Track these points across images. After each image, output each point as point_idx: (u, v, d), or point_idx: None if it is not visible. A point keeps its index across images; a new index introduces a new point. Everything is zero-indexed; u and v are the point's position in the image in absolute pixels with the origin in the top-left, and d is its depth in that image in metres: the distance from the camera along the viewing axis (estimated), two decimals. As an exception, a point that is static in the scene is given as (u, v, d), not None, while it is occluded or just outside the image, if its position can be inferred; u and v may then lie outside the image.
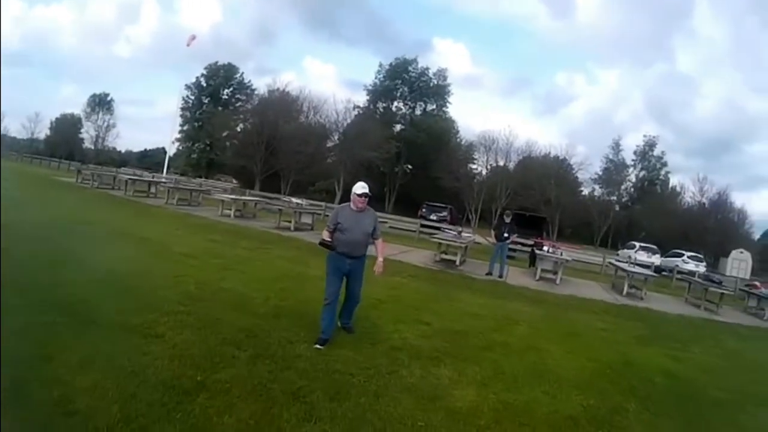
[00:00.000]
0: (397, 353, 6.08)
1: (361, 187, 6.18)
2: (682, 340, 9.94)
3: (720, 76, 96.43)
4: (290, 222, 19.38)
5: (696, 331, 11.38)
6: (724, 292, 15.47)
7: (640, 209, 64.09)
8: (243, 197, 24.23)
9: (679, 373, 7.44)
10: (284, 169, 58.12)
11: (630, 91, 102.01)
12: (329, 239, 6.13)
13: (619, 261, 22.67)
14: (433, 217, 32.65)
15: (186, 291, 7.35)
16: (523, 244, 21.28)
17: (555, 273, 16.12)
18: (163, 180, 29.57)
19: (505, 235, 15.61)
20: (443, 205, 36.77)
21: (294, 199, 25.23)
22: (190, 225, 15.78)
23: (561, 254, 16.76)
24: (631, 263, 23.62)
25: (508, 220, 16.10)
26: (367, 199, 6.20)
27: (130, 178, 25.29)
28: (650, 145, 67.54)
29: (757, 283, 19.34)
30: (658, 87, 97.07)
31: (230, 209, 20.44)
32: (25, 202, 15.43)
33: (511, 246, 17.08)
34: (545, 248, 17.31)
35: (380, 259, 6.48)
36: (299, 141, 57.30)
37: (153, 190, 24.73)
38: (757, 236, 67.40)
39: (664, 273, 25.39)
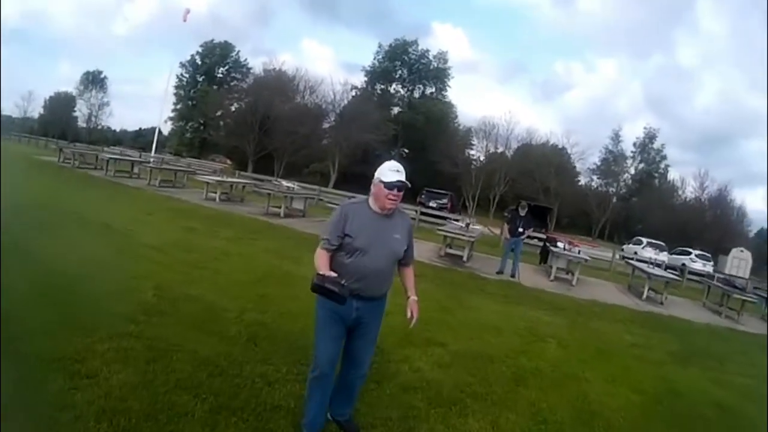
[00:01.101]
0: (410, 397, 4.62)
1: (393, 171, 3.56)
2: (716, 356, 8.94)
3: (719, 71, 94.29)
4: (280, 208, 17.88)
5: (725, 345, 10.37)
6: (747, 299, 14.18)
7: (638, 202, 63.04)
8: (229, 179, 22.56)
9: (727, 404, 6.39)
10: (278, 150, 56.47)
11: (628, 82, 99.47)
12: (332, 274, 3.29)
13: (637, 260, 21.46)
14: (432, 204, 31.61)
15: (141, 301, 5.83)
16: (538, 239, 19.82)
17: (570, 272, 14.78)
18: (151, 159, 28.09)
19: (520, 229, 14.16)
20: (443, 192, 35.73)
21: (284, 182, 23.84)
22: (167, 209, 14.31)
23: (578, 252, 15.35)
24: (639, 260, 22.43)
25: (523, 212, 14.61)
26: (401, 194, 3.61)
27: (111, 158, 23.62)
28: (650, 137, 65.94)
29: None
30: (656, 79, 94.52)
31: (215, 192, 18.89)
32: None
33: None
34: (560, 244, 15.86)
35: (413, 296, 3.87)
36: (294, 121, 55.61)
37: (136, 170, 23.17)
38: (752, 234, 66.43)
39: (670, 271, 24.15)
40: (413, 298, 3.87)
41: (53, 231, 8.83)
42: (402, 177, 3.58)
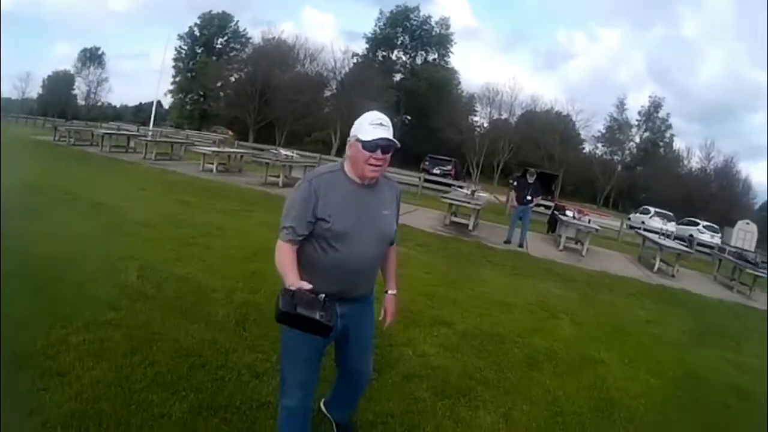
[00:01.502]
0: (414, 387, 4.20)
1: (375, 125, 2.53)
2: (732, 336, 8.54)
3: (723, 44, 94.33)
4: (278, 177, 17.40)
5: (741, 323, 9.98)
6: (760, 274, 13.65)
7: (643, 171, 62.63)
8: (226, 149, 22.08)
9: (749, 391, 5.91)
10: (279, 119, 56.04)
11: (631, 52, 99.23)
12: (304, 287, 2.32)
13: (644, 229, 20.99)
14: (436, 170, 31.16)
15: (125, 283, 5.39)
16: (545, 207, 19.29)
17: (579, 242, 14.37)
18: (149, 133, 27.54)
19: (529, 197, 13.70)
20: (447, 159, 35.25)
21: (283, 151, 23.29)
22: (161, 183, 13.84)
23: (588, 221, 14.87)
24: (647, 230, 22.06)
25: (531, 179, 14.12)
26: (388, 156, 2.59)
27: (106, 133, 22.97)
28: (655, 106, 65.04)
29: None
30: (659, 50, 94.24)
31: (212, 163, 18.40)
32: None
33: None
34: (569, 213, 15.38)
35: (392, 290, 3.01)
36: (295, 90, 55.02)
37: (132, 144, 22.61)
38: (756, 207, 65.98)
39: (678, 242, 23.76)
40: (391, 292, 3.00)
41: (40, 212, 8.27)
42: (387, 133, 2.52)
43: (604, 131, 64.82)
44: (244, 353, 4.20)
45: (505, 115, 61.55)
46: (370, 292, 2.88)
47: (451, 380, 4.44)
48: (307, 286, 2.31)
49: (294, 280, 2.35)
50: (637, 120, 65.19)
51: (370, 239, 2.64)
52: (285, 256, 2.52)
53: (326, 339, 2.57)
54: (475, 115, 65.44)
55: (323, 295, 2.28)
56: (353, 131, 2.58)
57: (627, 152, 64.72)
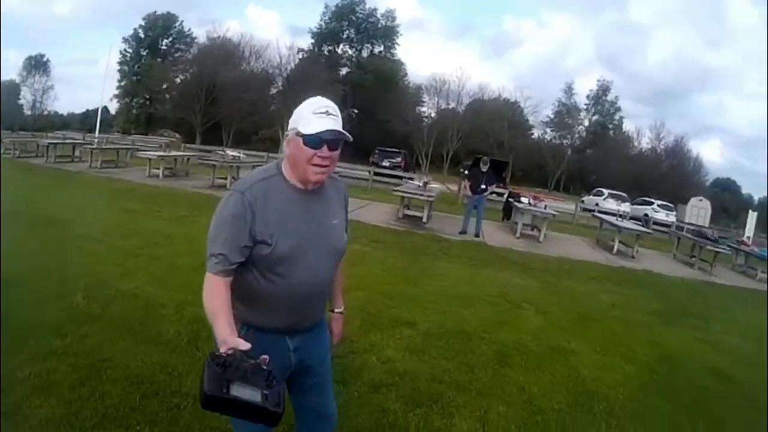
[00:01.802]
0: (383, 398, 3.94)
1: (320, 115, 1.94)
2: (699, 314, 8.59)
3: (672, 27, 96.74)
4: (226, 179, 16.86)
5: (705, 300, 10.10)
6: (720, 251, 13.94)
7: (593, 153, 63.60)
8: (173, 153, 21.40)
9: (726, 370, 5.95)
10: (225, 119, 55.32)
11: (579, 38, 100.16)
12: (241, 347, 1.68)
13: (599, 211, 21.17)
14: (385, 163, 31.04)
15: (70, 305, 4.96)
16: (499, 194, 19.12)
17: (536, 228, 14.37)
18: (95, 140, 26.61)
19: (483, 186, 13.59)
20: (396, 150, 35.22)
21: (230, 152, 22.68)
22: (107, 192, 13.28)
23: (545, 207, 14.86)
24: (602, 212, 22.21)
25: (485, 168, 14.04)
26: (337, 154, 2.01)
27: (50, 143, 21.92)
28: (604, 89, 66.04)
29: (745, 240, 18.05)
30: (607, 35, 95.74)
31: (158, 168, 17.76)
32: None
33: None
34: (524, 199, 15.31)
35: (338, 309, 2.53)
36: (240, 88, 54.36)
37: (78, 153, 21.60)
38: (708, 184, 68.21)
39: (633, 222, 24.07)
40: (338, 311, 2.51)
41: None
42: (335, 123, 1.96)
43: (552, 116, 65.56)
44: (198, 376, 3.85)
45: (452, 105, 62.17)
46: (320, 322, 2.32)
47: (420, 387, 4.21)
48: (244, 345, 1.69)
49: (227, 336, 1.74)
50: (585, 104, 66.12)
51: (320, 258, 2.10)
52: (215, 297, 1.90)
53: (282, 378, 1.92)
54: (423, 106, 66.03)
55: (266, 359, 1.65)
56: (292, 123, 1.99)
57: (576, 136, 65.56)
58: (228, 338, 1.72)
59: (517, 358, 5.16)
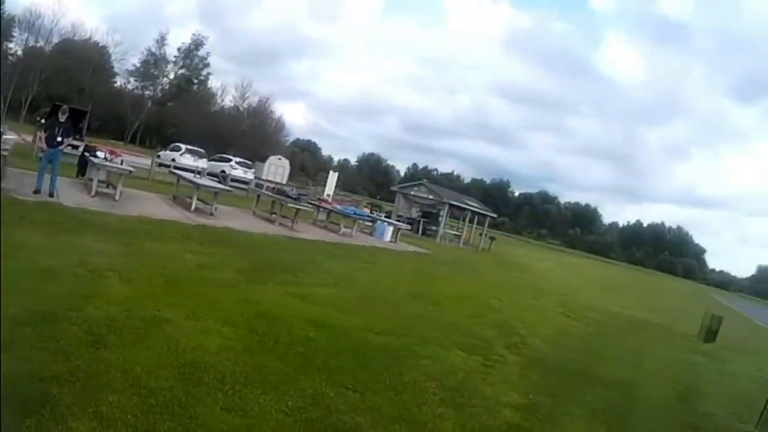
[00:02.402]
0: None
1: None
2: (287, 268, 9.14)
3: None
4: None
5: (291, 255, 10.73)
6: (301, 208, 15.13)
7: (174, 107, 63.20)
8: None
9: (324, 320, 6.46)
10: None
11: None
12: None
13: (175, 167, 20.57)
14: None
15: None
16: (74, 147, 17.05)
17: (112, 186, 13.32)
18: None
19: (59, 138, 11.95)
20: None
21: None
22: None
23: (121, 163, 13.87)
24: (178, 167, 21.60)
25: (63, 118, 12.30)
26: None
27: None
28: (197, 44, 66.70)
29: (326, 197, 20.15)
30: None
31: None
32: None
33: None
34: (100, 154, 14.01)
35: None
36: None
37: None
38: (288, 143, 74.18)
39: (210, 177, 24.27)
40: None
41: None
42: None
43: (139, 65, 63.31)
44: None
45: (41, 43, 55.53)
46: None
47: (19, 391, 3.30)
48: None
49: None
50: (175, 56, 65.51)
51: None
52: None
53: None
54: (11, 42, 56.32)
55: None
56: None
57: (159, 88, 64.70)
58: None
59: (112, 336, 4.54)
